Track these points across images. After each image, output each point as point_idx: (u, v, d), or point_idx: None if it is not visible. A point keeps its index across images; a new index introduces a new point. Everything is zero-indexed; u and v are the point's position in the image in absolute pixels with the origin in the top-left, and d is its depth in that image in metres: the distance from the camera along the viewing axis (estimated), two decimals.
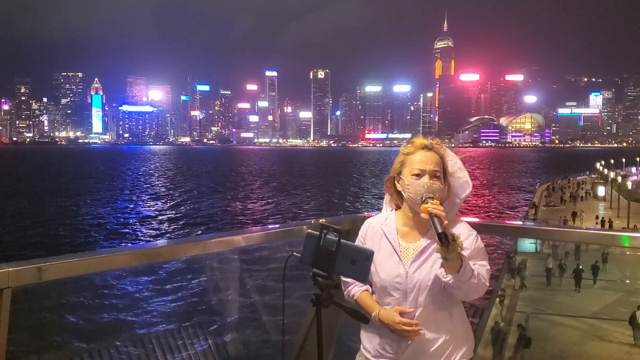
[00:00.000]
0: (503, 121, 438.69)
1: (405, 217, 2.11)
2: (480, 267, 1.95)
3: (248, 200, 54.56)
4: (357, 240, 2.21)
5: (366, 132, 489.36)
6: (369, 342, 2.14)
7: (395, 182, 2.12)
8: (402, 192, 2.08)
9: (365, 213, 2.83)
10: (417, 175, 2.02)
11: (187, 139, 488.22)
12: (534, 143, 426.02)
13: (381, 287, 2.07)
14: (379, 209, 2.34)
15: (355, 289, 2.16)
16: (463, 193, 2.17)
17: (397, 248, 2.06)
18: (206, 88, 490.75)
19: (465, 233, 2.02)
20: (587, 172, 69.46)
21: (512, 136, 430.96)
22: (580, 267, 17.58)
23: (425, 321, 2.00)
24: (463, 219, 2.19)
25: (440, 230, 1.79)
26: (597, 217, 33.95)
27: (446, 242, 1.79)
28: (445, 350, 2.03)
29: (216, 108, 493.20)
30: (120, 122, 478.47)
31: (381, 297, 2.09)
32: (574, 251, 18.93)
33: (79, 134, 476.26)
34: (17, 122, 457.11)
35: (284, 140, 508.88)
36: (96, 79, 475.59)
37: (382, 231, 2.12)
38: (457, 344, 2.06)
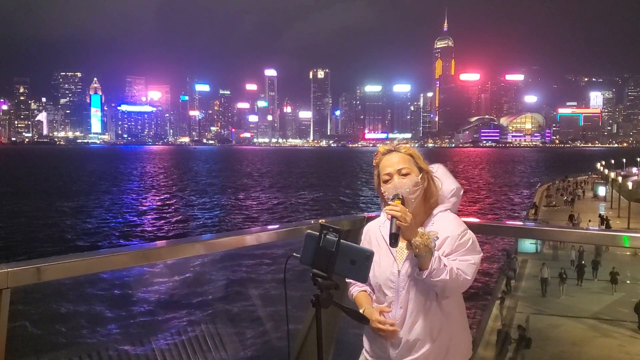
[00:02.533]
0: (503, 121, 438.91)
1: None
2: (461, 262, 1.95)
3: (248, 200, 54.57)
4: (361, 243, 2.26)
5: (366, 132, 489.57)
6: (366, 341, 2.18)
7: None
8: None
9: (365, 214, 2.82)
10: (386, 180, 2.08)
11: (186, 139, 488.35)
12: (534, 143, 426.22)
13: (376, 285, 2.12)
14: (379, 209, 2.35)
15: (355, 289, 2.22)
16: (449, 194, 2.18)
17: (393, 248, 2.09)
18: (205, 88, 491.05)
19: (451, 226, 2.04)
20: (589, 173, 69.47)
21: (513, 136, 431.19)
22: (583, 262, 17.53)
23: (418, 320, 2.02)
24: (463, 219, 2.18)
25: (392, 231, 1.85)
26: (599, 216, 34.03)
27: (394, 243, 1.85)
28: (441, 351, 2.03)
29: (215, 108, 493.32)
30: (119, 122, 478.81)
31: (377, 295, 2.14)
32: (577, 257, 18.56)
33: (77, 134, 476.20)
34: (16, 122, 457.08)
35: (284, 140, 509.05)
36: (95, 78, 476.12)
37: (379, 232, 2.17)
38: (453, 345, 2.07)
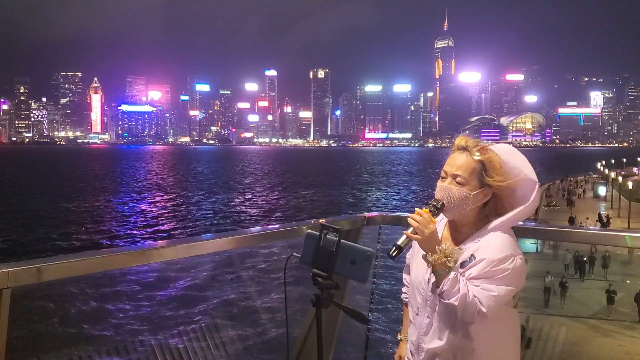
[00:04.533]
0: (504, 121, 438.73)
1: (450, 222, 2.01)
2: (482, 292, 1.75)
3: (248, 200, 54.56)
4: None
5: (366, 132, 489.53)
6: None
7: None
8: None
9: (365, 214, 2.82)
10: (442, 177, 1.92)
11: (186, 139, 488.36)
12: (534, 143, 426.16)
13: (412, 286, 2.05)
14: (380, 210, 2.34)
15: (404, 296, 2.26)
16: (523, 200, 1.90)
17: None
18: (206, 88, 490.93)
19: (492, 247, 1.83)
20: (590, 173, 69.47)
21: (513, 136, 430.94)
22: (585, 258, 17.45)
23: (440, 334, 1.90)
24: None
25: (397, 242, 1.77)
26: (598, 216, 34.10)
27: (392, 254, 1.76)
28: None
29: (216, 108, 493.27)
30: (120, 122, 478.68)
31: (411, 297, 2.06)
32: (572, 261, 18.24)
33: (78, 133, 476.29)
34: (17, 122, 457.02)
35: (284, 140, 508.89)
36: (95, 78, 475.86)
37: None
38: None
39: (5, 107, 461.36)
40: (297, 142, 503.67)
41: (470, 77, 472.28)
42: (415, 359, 2.00)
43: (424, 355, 1.95)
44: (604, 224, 31.83)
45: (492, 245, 1.83)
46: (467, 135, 2.01)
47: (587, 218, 33.05)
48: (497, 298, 1.76)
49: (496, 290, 1.76)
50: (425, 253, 1.79)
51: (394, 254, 1.77)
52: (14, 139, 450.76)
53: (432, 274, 1.86)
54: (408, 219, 1.78)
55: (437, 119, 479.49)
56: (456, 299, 1.73)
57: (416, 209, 1.80)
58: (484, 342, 1.87)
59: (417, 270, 2.00)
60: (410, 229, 1.78)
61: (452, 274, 1.75)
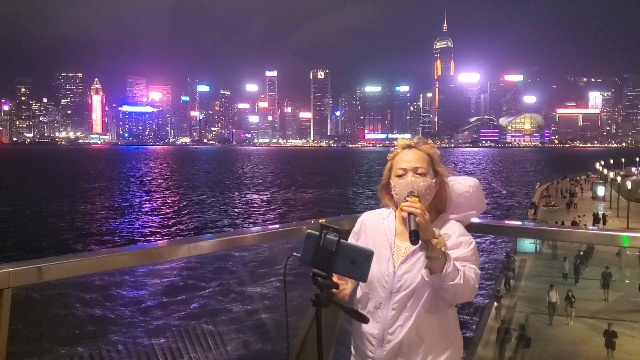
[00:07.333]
0: (502, 121, 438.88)
1: (401, 217, 2.08)
2: (469, 269, 1.88)
3: (248, 200, 54.56)
4: (352, 233, 2.21)
5: (366, 132, 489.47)
6: (353, 340, 2.14)
7: (390, 187, 2.11)
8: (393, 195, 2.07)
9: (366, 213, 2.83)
10: (400, 175, 2.03)
11: (187, 140, 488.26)
12: (533, 143, 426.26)
13: (369, 281, 2.01)
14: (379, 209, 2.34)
15: None
16: (470, 209, 2.17)
17: (392, 245, 2.05)
18: (206, 88, 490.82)
19: (457, 233, 2.00)
20: (588, 173, 69.47)
21: (512, 136, 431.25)
22: (581, 253, 17.30)
23: (408, 325, 1.97)
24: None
25: (412, 228, 1.77)
26: (593, 215, 34.18)
27: (415, 240, 1.76)
28: (428, 355, 1.98)
29: (216, 108, 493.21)
30: (120, 123, 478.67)
31: (367, 292, 2.06)
32: (570, 268, 17.63)
33: (79, 134, 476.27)
34: (17, 123, 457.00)
35: (284, 140, 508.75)
36: (96, 79, 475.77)
37: (381, 225, 2.11)
38: (441, 350, 2.01)
39: (6, 107, 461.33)
40: (297, 142, 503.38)
41: (469, 78, 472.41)
42: (378, 352, 2.01)
43: (391, 346, 1.97)
44: (599, 219, 32.17)
45: (454, 230, 2.01)
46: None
47: (584, 215, 33.34)
48: (479, 275, 1.92)
49: (476, 267, 1.93)
50: (415, 238, 1.78)
51: (414, 239, 1.77)
52: (15, 139, 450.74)
53: (400, 264, 1.99)
54: (405, 207, 1.82)
55: (436, 119, 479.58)
56: (460, 277, 1.83)
57: (408, 198, 1.88)
58: (450, 327, 2.03)
59: (377, 264, 2.00)
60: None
61: (450, 255, 1.83)
